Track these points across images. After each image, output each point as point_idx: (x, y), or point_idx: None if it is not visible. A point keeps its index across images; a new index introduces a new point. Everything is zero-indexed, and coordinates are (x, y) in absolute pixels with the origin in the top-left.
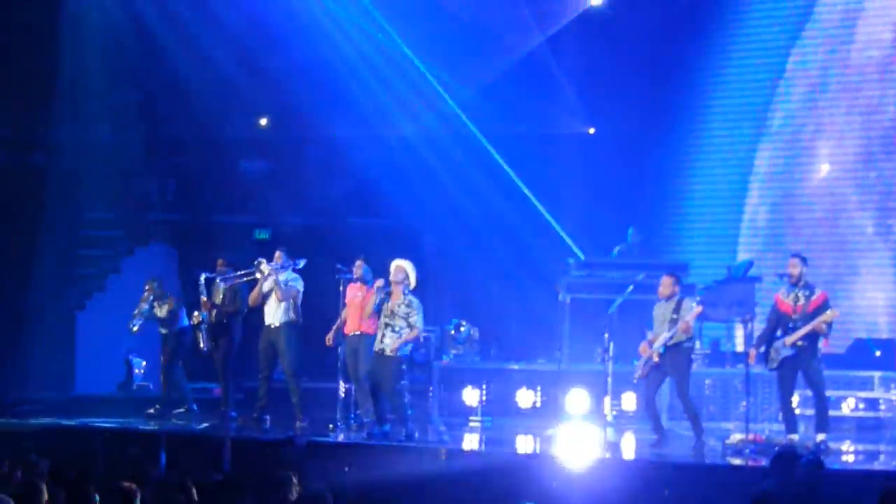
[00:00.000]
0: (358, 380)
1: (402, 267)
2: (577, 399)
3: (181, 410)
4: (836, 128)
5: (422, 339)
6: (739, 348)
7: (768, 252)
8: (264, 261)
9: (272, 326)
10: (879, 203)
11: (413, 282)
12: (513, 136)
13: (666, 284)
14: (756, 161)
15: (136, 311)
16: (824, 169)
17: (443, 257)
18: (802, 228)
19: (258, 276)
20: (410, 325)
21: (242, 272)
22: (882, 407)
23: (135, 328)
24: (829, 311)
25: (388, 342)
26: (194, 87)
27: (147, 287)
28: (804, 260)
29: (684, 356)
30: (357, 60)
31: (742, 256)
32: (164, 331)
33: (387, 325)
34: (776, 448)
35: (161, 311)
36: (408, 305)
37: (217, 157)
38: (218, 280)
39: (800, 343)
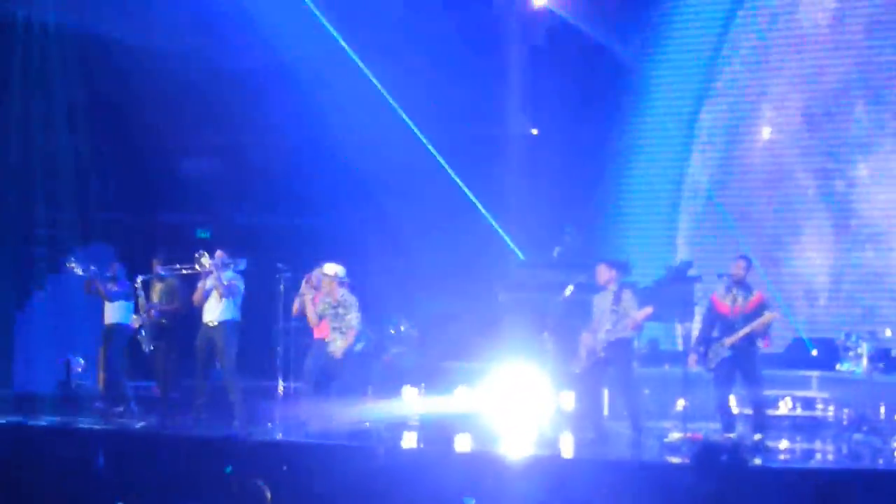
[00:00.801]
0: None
1: (327, 273)
2: (516, 398)
3: (121, 409)
4: (780, 91)
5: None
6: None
7: (707, 222)
8: (206, 254)
9: (210, 324)
10: (821, 166)
11: (344, 279)
12: (455, 136)
13: (601, 271)
14: (697, 132)
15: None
16: (766, 132)
17: (384, 256)
18: (744, 191)
19: (198, 268)
20: (349, 324)
21: (183, 266)
22: (819, 406)
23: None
24: (767, 314)
25: (339, 344)
26: (137, 86)
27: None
28: (750, 263)
29: (627, 349)
30: (299, 60)
31: (682, 236)
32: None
33: (334, 328)
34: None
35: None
36: (343, 305)
37: (159, 156)
38: (160, 274)
39: (738, 343)
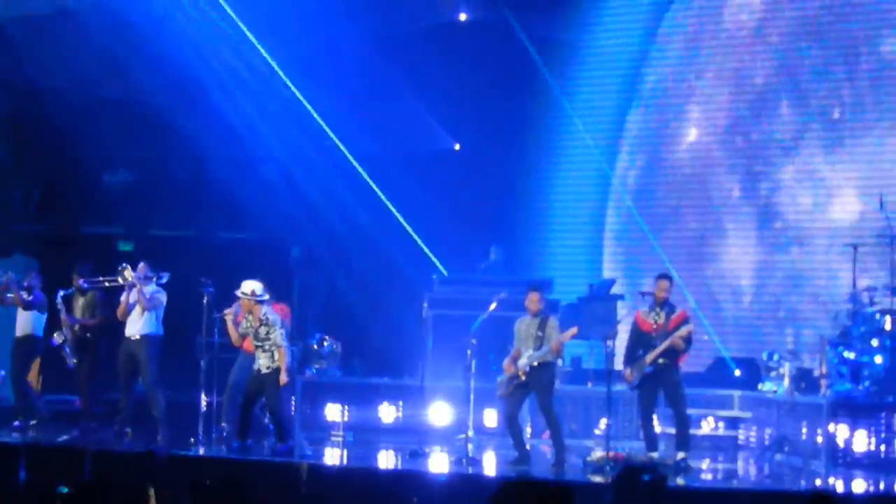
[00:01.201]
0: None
1: (245, 291)
2: (439, 414)
3: (34, 422)
4: (706, 92)
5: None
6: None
7: (632, 234)
8: (128, 267)
9: (132, 338)
10: (746, 166)
11: (262, 297)
12: (378, 151)
13: (534, 300)
14: (623, 136)
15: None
16: (693, 133)
17: (307, 271)
18: (672, 191)
19: (121, 281)
20: (275, 342)
21: (105, 278)
22: (741, 426)
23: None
24: (683, 327)
25: (263, 362)
26: (58, 97)
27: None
28: (671, 281)
29: (549, 374)
30: (223, 74)
31: (608, 250)
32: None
33: (257, 346)
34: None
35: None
36: (265, 324)
37: (81, 168)
38: (82, 284)
39: (660, 361)
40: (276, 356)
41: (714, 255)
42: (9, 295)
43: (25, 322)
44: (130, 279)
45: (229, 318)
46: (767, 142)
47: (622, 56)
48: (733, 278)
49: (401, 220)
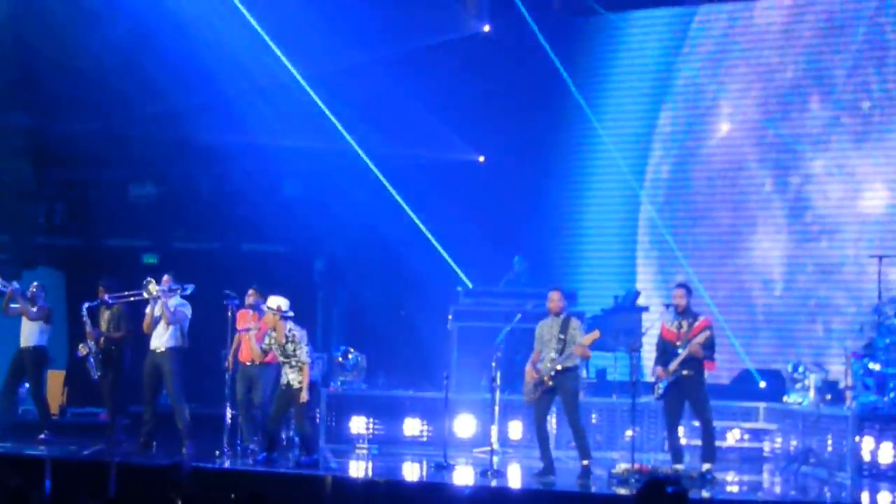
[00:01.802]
0: (245, 408)
1: (270, 307)
2: (463, 427)
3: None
4: (737, 88)
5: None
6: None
7: (662, 233)
8: (153, 280)
9: (158, 351)
10: (776, 160)
11: (287, 313)
12: (404, 163)
13: (555, 299)
14: (656, 131)
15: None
16: (724, 128)
17: (332, 284)
18: (703, 185)
19: (146, 295)
20: (300, 360)
21: (130, 292)
22: (766, 438)
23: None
24: (701, 334)
25: (293, 377)
26: (84, 110)
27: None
28: (689, 290)
29: (574, 380)
30: (248, 87)
31: (640, 259)
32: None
33: (284, 362)
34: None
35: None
36: (292, 340)
37: (106, 180)
38: (107, 301)
39: (685, 372)
40: (304, 373)
41: (745, 247)
42: (13, 305)
43: (30, 332)
44: (155, 293)
45: (251, 336)
46: (798, 136)
47: (649, 64)
48: (765, 270)
49: (426, 232)
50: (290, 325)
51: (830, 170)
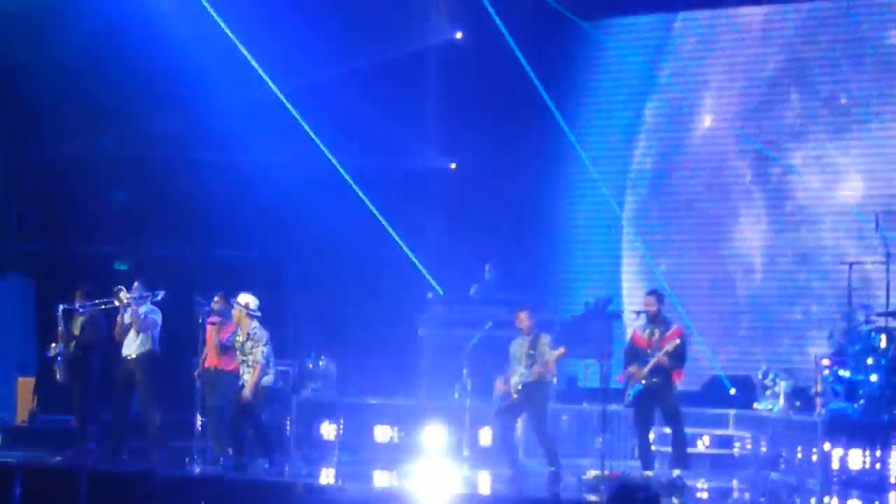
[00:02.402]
0: (211, 413)
1: (239, 302)
2: (434, 434)
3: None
4: (719, 83)
5: (269, 371)
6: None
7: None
8: (124, 289)
9: (129, 358)
10: (757, 153)
11: (254, 311)
12: (375, 170)
13: (523, 318)
14: (642, 123)
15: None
16: (707, 121)
17: (303, 290)
18: (687, 177)
19: (116, 303)
20: (256, 360)
21: (101, 300)
22: (736, 444)
23: None
24: (671, 343)
25: (247, 378)
26: (54, 116)
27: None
28: (660, 297)
29: (543, 393)
30: (220, 93)
31: (625, 250)
32: None
33: (243, 361)
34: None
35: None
36: (251, 338)
37: (77, 186)
38: (78, 308)
39: (654, 380)
40: (254, 372)
41: (728, 236)
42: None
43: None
44: (126, 301)
45: (213, 328)
46: (778, 129)
47: (628, 68)
48: (746, 257)
49: (397, 239)
50: (254, 324)
51: (809, 161)
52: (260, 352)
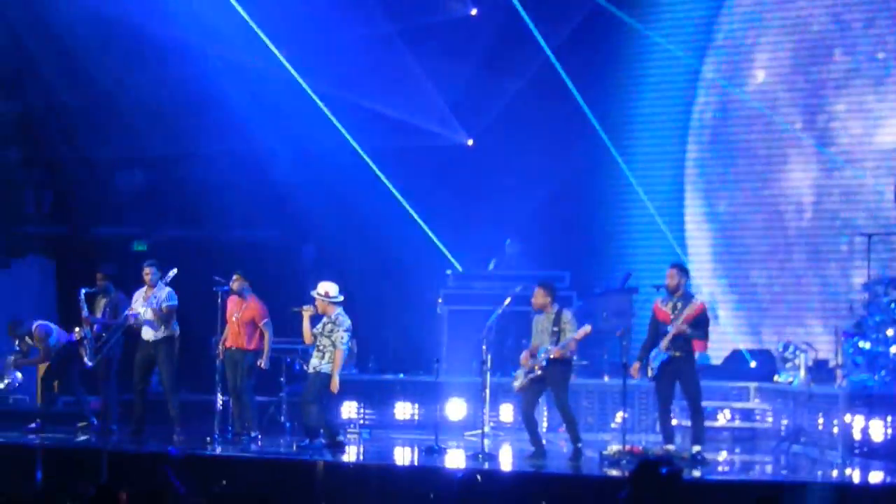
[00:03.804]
0: (235, 393)
1: (319, 293)
2: (455, 410)
3: (83, 424)
4: (771, 40)
5: (353, 349)
6: None
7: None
8: (137, 306)
9: (149, 341)
10: (806, 101)
11: (335, 298)
12: (392, 147)
13: (538, 295)
14: (700, 79)
15: (10, 361)
16: (760, 75)
17: (321, 269)
18: (743, 126)
19: (132, 322)
20: (334, 344)
21: (115, 321)
22: (757, 418)
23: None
24: (686, 310)
25: (313, 361)
26: (71, 99)
27: (8, 332)
28: (683, 270)
29: (565, 369)
30: (234, 72)
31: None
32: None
33: (316, 345)
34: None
35: (34, 344)
36: (332, 322)
37: (94, 168)
38: (92, 321)
39: (676, 353)
40: (330, 357)
41: (780, 177)
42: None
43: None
44: (142, 311)
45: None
46: (823, 80)
47: (684, 31)
48: (796, 196)
49: (415, 216)
50: (338, 310)
51: (852, 109)
52: (340, 337)
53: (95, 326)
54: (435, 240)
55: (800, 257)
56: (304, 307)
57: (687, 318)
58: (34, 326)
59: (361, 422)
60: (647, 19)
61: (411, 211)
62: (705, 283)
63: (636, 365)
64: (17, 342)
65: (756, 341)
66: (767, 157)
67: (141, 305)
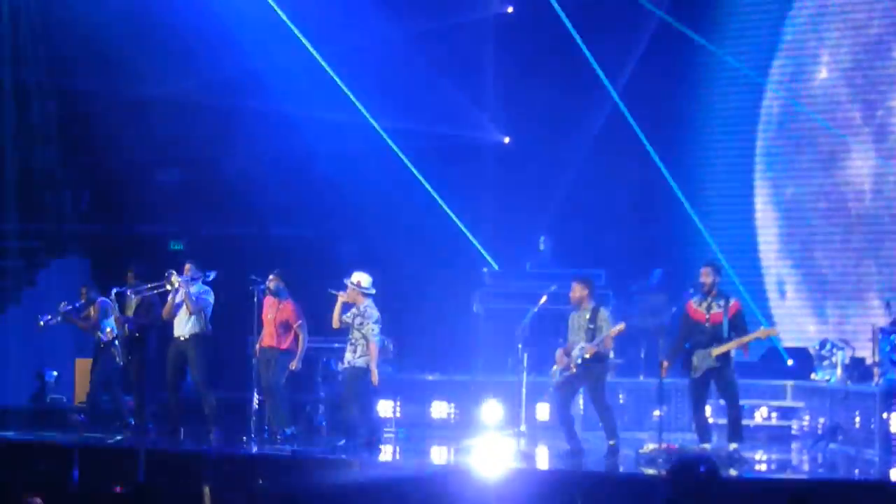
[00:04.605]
0: (268, 392)
1: (352, 282)
2: (491, 410)
3: (117, 424)
4: (833, 40)
5: (389, 347)
6: None
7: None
8: (174, 273)
9: (181, 338)
10: (865, 97)
11: (367, 289)
12: (429, 145)
13: (576, 289)
14: (768, 77)
15: (61, 307)
16: (823, 73)
17: (359, 268)
18: (808, 119)
19: (168, 287)
20: (365, 337)
21: (153, 284)
22: (794, 416)
23: (42, 322)
24: (763, 329)
25: (346, 356)
26: (109, 98)
27: (81, 293)
28: (717, 269)
29: (601, 367)
30: (270, 70)
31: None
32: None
33: (348, 338)
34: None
35: (92, 314)
36: (361, 315)
37: (131, 167)
38: (129, 293)
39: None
40: (362, 350)
41: (841, 165)
42: (81, 325)
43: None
44: (177, 284)
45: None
46: (881, 77)
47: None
48: (857, 183)
49: (450, 213)
50: (368, 301)
51: None
52: (371, 329)
53: (128, 325)
54: (471, 238)
55: (859, 238)
56: (340, 292)
57: (730, 314)
58: (99, 300)
59: (398, 420)
60: (711, 28)
61: (447, 209)
62: (773, 264)
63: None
64: (83, 301)
65: (820, 314)
66: (830, 147)
67: (176, 296)
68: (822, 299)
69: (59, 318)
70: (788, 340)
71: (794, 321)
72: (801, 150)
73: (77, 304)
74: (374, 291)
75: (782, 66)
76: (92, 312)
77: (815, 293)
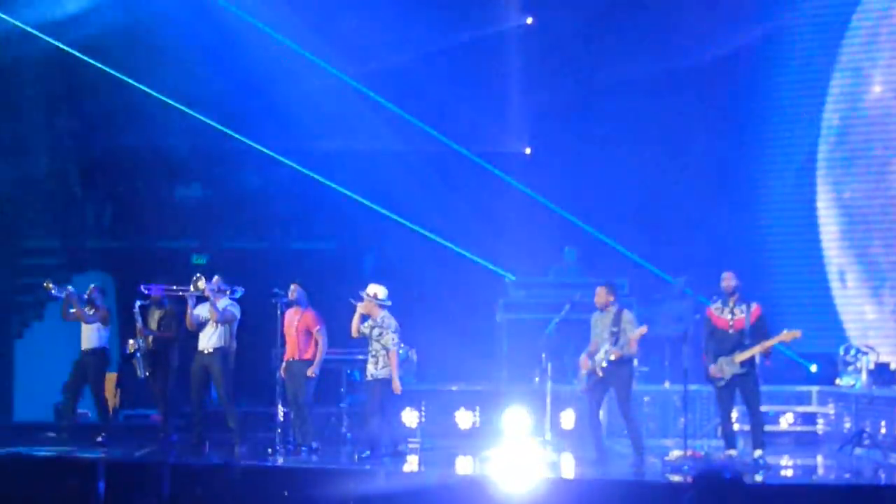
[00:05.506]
0: (295, 404)
1: (368, 293)
2: (515, 419)
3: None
4: (885, 60)
5: (412, 358)
6: None
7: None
8: (202, 277)
9: (205, 352)
10: None
11: (383, 301)
12: (450, 155)
13: (600, 294)
14: (828, 95)
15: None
16: (877, 90)
17: (381, 279)
18: (861, 132)
19: (192, 290)
20: (385, 347)
21: (179, 287)
22: (819, 422)
23: (51, 286)
24: (786, 332)
25: (369, 368)
26: (129, 114)
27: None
28: (734, 273)
29: (627, 370)
30: (292, 82)
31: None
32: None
33: (368, 350)
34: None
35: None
36: (380, 326)
37: (153, 183)
38: (149, 292)
39: (745, 360)
40: (384, 362)
41: (893, 174)
42: (71, 310)
43: (90, 335)
44: (203, 291)
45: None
46: None
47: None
48: None
49: (473, 224)
50: (384, 312)
51: None
52: (391, 339)
53: (151, 338)
54: (472, 256)
55: None
56: (358, 302)
57: (753, 319)
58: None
59: (422, 430)
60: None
61: (471, 220)
62: (835, 256)
63: (714, 367)
64: (86, 297)
65: (877, 303)
66: (883, 157)
67: (203, 309)
68: (879, 286)
69: (63, 294)
70: (848, 322)
71: (854, 307)
72: (858, 159)
73: (83, 296)
74: (389, 303)
75: (840, 83)
76: (89, 311)
77: (873, 280)
